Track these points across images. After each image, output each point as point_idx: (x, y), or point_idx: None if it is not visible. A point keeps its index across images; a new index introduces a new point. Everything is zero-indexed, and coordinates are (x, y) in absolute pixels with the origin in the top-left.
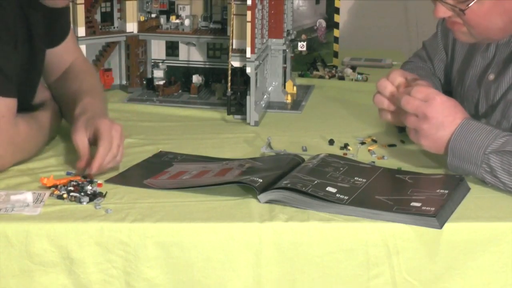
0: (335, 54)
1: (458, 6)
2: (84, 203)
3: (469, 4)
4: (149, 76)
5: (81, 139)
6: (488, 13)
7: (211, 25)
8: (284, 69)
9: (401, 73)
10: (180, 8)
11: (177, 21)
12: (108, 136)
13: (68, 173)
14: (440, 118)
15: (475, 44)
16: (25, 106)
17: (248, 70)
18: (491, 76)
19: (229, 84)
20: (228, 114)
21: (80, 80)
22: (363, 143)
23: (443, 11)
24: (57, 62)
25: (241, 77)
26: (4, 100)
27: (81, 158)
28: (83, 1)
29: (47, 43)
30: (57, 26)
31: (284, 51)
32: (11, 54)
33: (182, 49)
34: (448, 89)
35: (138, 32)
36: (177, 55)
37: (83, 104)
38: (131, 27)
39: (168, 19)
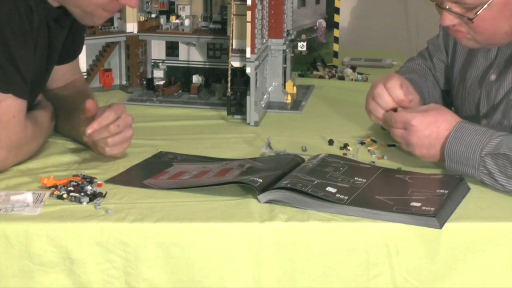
0: (335, 54)
1: (466, 15)
2: (84, 203)
3: (477, 12)
4: (149, 76)
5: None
6: (496, 18)
7: (211, 25)
8: (284, 69)
9: (399, 82)
10: (180, 8)
11: (177, 21)
12: (117, 106)
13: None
14: (425, 140)
15: None
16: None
17: (248, 70)
18: (493, 77)
19: (229, 84)
20: (228, 114)
21: (83, 97)
22: (363, 143)
23: (450, 19)
24: (57, 77)
25: (241, 77)
26: (17, 101)
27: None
28: None
29: (60, 59)
30: (73, 47)
31: (284, 51)
32: (31, 58)
33: (182, 49)
34: (447, 89)
35: (138, 32)
36: (177, 55)
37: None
38: (131, 27)
39: (168, 19)
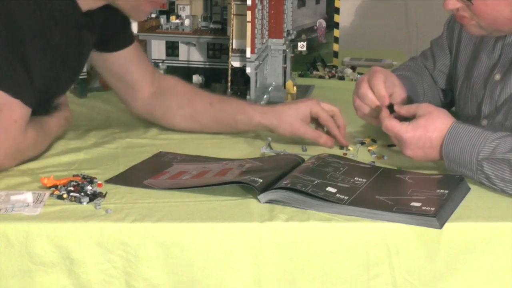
0: (335, 54)
1: None
2: (84, 203)
3: None
4: None
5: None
6: (496, 3)
7: (211, 25)
8: (284, 69)
9: (382, 77)
10: (180, 8)
11: (177, 21)
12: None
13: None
14: (419, 152)
15: (481, 44)
16: (39, 112)
17: (248, 70)
18: (497, 76)
19: (229, 84)
20: None
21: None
22: (363, 143)
23: (452, 3)
24: (118, 67)
25: (241, 77)
26: (22, 108)
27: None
28: None
29: (109, 46)
30: (120, 34)
31: (284, 51)
32: (45, 68)
33: (182, 49)
34: (447, 88)
35: (138, 32)
36: (177, 55)
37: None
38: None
39: (168, 19)
